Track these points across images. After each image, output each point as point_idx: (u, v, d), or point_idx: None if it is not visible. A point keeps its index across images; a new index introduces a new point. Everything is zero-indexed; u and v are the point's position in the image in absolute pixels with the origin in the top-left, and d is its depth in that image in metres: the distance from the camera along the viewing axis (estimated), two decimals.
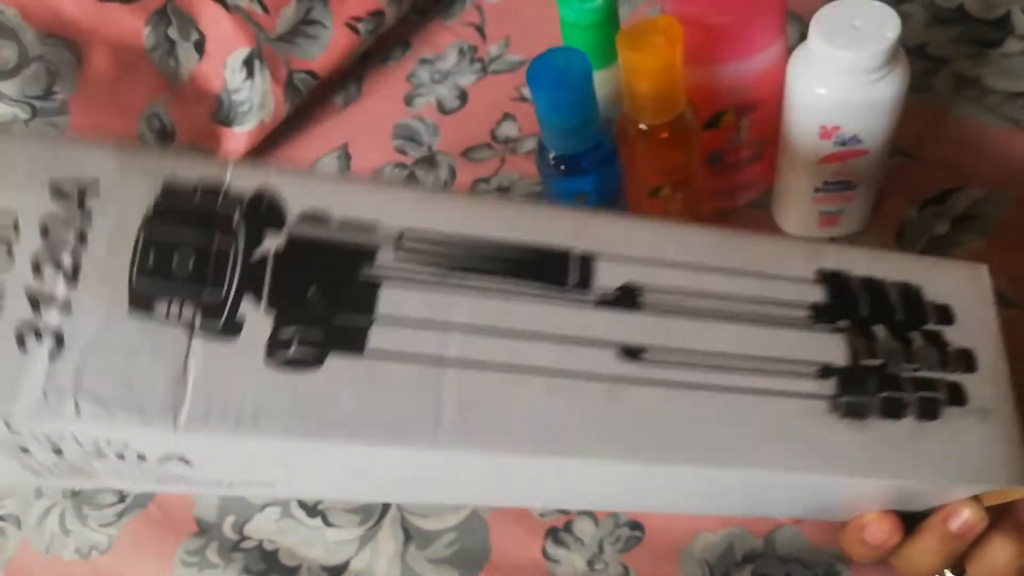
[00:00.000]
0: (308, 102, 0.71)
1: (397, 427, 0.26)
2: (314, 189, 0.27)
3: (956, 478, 0.30)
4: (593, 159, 0.43)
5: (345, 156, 0.68)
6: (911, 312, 0.32)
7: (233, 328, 0.25)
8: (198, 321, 0.25)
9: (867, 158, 0.45)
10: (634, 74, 0.40)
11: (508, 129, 0.65)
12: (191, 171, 0.26)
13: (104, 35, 0.57)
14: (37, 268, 0.24)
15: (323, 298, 0.26)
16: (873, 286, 0.32)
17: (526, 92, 0.67)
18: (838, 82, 0.41)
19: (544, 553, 0.46)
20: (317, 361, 0.25)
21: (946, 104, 0.55)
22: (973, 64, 0.57)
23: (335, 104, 0.73)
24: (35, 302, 0.24)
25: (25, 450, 0.27)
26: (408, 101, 0.70)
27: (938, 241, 0.50)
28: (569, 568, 0.45)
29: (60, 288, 0.24)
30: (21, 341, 0.24)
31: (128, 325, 0.24)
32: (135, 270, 0.25)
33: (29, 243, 0.24)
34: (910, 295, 0.32)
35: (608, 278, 0.29)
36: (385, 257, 0.27)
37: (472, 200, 0.30)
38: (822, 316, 0.31)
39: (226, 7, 0.61)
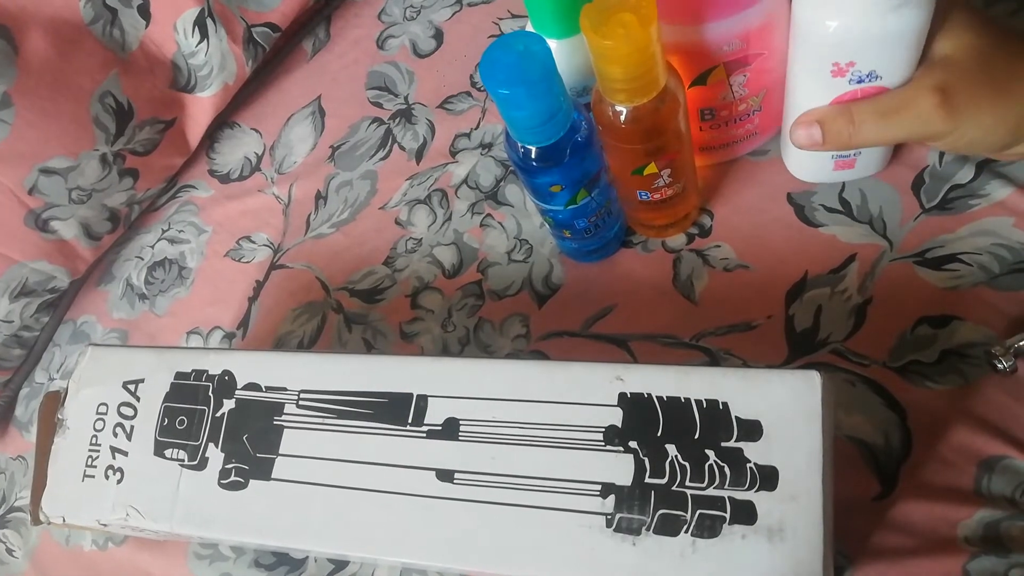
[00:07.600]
0: (274, 53, 0.66)
1: (284, 529, 0.37)
2: (252, 365, 0.41)
3: None
4: (568, 145, 0.39)
5: (319, 112, 0.63)
6: (710, 430, 0.32)
7: (203, 464, 0.40)
8: (186, 460, 0.40)
9: None
10: (604, 60, 0.35)
11: None
12: (192, 362, 0.42)
13: (36, 15, 0.52)
14: (115, 432, 0.42)
15: (251, 441, 0.39)
16: (675, 405, 0.33)
17: (505, 26, 0.60)
18: (851, 13, 0.35)
19: None
20: (245, 484, 0.39)
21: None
22: None
23: (304, 51, 0.67)
24: (113, 452, 0.42)
25: (141, 531, 0.42)
26: (381, 44, 0.64)
27: (960, 190, 0.44)
28: None
29: (124, 443, 0.42)
30: (106, 476, 0.42)
31: (152, 464, 0.41)
32: (157, 431, 0.41)
33: (112, 418, 0.42)
34: (714, 412, 0.32)
35: (436, 414, 0.36)
36: (290, 408, 0.39)
37: (348, 359, 0.40)
38: (614, 438, 0.33)
39: None
